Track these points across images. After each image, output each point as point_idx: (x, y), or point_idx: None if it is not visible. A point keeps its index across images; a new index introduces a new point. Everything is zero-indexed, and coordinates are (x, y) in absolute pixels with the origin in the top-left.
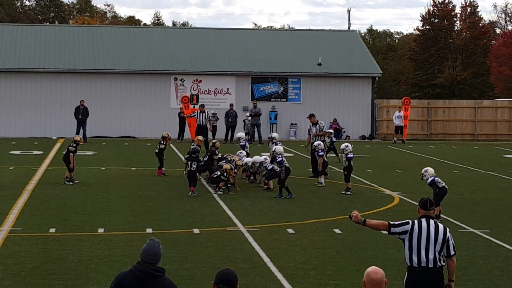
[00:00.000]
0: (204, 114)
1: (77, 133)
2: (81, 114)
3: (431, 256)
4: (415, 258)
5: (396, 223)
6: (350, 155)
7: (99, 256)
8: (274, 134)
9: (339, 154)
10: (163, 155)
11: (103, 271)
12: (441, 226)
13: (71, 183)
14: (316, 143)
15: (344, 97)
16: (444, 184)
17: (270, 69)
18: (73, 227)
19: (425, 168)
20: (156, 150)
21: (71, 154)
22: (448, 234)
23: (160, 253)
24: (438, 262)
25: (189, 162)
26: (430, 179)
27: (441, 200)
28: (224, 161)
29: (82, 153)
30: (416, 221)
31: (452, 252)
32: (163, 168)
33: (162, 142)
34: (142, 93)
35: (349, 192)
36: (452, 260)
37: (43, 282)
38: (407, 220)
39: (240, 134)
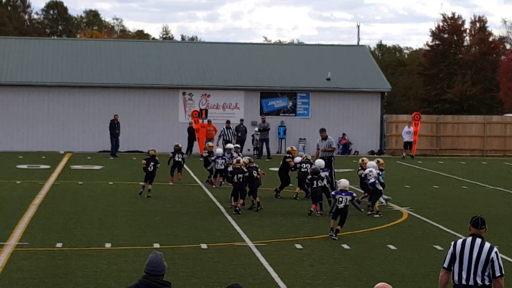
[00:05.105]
0: (230, 130)
1: (114, 147)
2: (117, 128)
3: (472, 274)
4: (456, 276)
5: (445, 260)
6: (372, 180)
7: (106, 271)
8: (229, 145)
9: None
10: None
11: (110, 286)
12: (486, 245)
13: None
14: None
15: (353, 112)
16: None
17: (279, 84)
18: (80, 242)
19: (369, 169)
20: (180, 160)
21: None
22: (493, 254)
23: (165, 265)
24: (480, 282)
25: (234, 176)
26: (371, 180)
27: (376, 200)
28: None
29: (90, 167)
30: (460, 240)
31: (498, 274)
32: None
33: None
34: (150, 108)
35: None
36: (498, 282)
37: None
38: (450, 246)
39: (229, 145)
